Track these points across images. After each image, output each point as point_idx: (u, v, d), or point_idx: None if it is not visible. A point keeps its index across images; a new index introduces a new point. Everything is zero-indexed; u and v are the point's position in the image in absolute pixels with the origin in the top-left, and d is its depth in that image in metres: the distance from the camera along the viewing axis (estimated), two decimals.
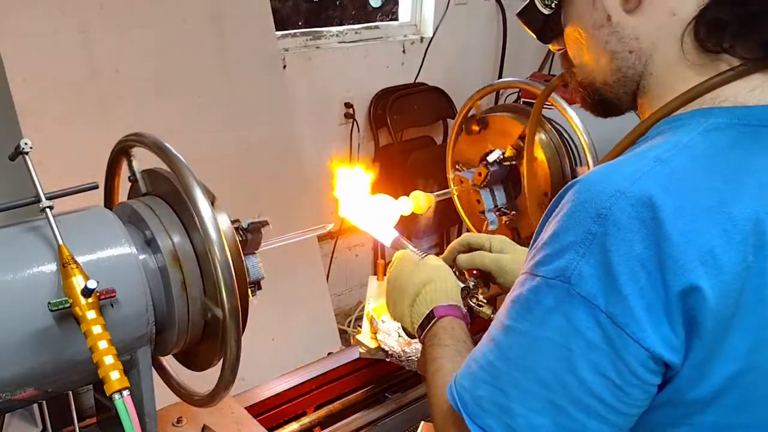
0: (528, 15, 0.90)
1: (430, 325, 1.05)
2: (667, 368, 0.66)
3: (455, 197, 1.79)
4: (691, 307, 0.63)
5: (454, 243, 1.24)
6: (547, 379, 0.67)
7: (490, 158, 1.66)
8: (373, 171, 1.38)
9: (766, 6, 0.69)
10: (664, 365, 0.65)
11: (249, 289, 1.07)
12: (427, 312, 1.07)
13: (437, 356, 0.98)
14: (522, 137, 1.66)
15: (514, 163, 1.67)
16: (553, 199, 0.74)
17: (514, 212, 1.71)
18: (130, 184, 1.12)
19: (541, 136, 1.65)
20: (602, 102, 0.87)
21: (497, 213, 1.71)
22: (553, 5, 0.86)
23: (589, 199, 0.67)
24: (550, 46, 0.93)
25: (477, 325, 1.75)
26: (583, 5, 0.81)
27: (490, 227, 1.70)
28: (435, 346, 1.01)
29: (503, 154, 1.66)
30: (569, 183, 0.72)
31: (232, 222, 1.05)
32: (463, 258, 1.21)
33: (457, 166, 1.78)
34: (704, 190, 0.65)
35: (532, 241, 0.76)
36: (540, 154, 1.64)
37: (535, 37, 0.93)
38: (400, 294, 1.10)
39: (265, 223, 1.09)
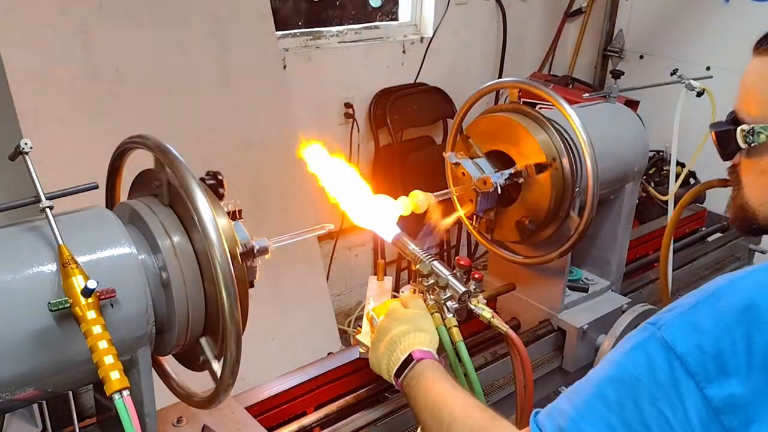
0: (723, 135, 0.96)
1: (410, 367, 1.10)
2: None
3: (455, 197, 1.79)
4: None
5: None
6: (610, 398, 0.76)
7: (494, 179, 1.62)
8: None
9: None
10: (722, 426, 0.71)
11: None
12: (404, 357, 1.12)
13: (433, 386, 1.05)
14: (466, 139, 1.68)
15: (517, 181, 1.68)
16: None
17: (493, 216, 1.75)
18: (130, 184, 1.12)
19: (541, 137, 1.65)
20: (755, 228, 0.96)
21: (478, 220, 1.76)
22: (752, 145, 0.92)
23: (714, 282, 0.77)
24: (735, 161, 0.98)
25: (474, 327, 1.76)
26: None
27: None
28: (426, 380, 1.06)
29: (510, 175, 1.65)
30: None
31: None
32: None
33: (459, 155, 1.73)
34: None
35: None
36: (540, 155, 1.64)
37: (717, 148, 0.99)
38: (379, 342, 1.18)
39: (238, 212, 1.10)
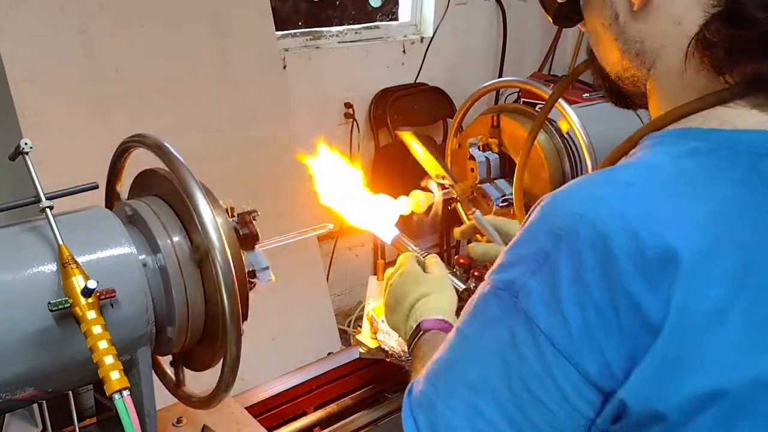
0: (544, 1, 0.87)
1: (416, 338, 1.07)
2: (606, 397, 0.64)
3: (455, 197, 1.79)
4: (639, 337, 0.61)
5: (470, 226, 1.25)
6: (475, 383, 0.68)
7: (471, 150, 1.67)
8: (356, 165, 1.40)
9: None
10: (599, 393, 0.64)
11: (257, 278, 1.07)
12: (416, 326, 1.08)
13: (414, 368, 0.99)
14: (494, 126, 1.69)
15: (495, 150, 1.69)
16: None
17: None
18: (130, 184, 1.12)
19: (541, 136, 1.65)
20: (620, 94, 0.84)
21: (504, 203, 1.70)
22: None
23: (549, 215, 0.66)
24: (579, 26, 0.87)
25: None
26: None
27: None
28: (415, 358, 1.02)
29: (479, 142, 1.68)
30: (543, 196, 0.70)
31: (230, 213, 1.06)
32: (478, 250, 1.20)
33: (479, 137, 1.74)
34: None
35: None
36: (540, 154, 1.64)
37: (551, 21, 0.88)
38: (398, 305, 1.11)
39: (254, 214, 1.10)
